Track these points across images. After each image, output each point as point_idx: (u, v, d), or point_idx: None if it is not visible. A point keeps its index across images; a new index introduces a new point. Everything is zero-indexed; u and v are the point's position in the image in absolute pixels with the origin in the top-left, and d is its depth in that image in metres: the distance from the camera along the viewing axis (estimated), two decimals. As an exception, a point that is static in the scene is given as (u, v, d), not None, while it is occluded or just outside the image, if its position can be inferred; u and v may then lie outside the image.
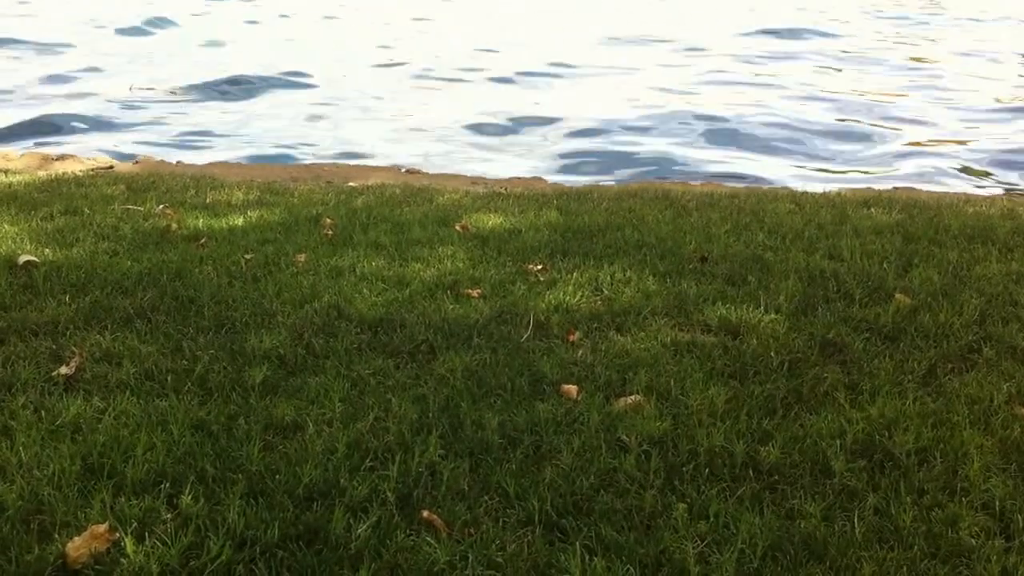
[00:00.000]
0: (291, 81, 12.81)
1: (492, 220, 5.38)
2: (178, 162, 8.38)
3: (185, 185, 6.34)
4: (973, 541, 2.53)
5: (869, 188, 7.70)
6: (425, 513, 2.56)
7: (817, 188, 7.22)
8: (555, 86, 13.11)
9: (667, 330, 3.80)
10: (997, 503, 2.69)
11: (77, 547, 2.36)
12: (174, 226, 5.10)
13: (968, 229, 5.28)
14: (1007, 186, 8.77)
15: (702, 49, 16.26)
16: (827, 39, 17.66)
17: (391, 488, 2.67)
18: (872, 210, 5.82)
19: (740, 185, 7.74)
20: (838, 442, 2.97)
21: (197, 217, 5.34)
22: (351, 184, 6.94)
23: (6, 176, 6.59)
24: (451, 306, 3.98)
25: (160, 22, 17.45)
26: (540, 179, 8.03)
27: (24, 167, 7.44)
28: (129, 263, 4.41)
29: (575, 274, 4.40)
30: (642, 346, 3.64)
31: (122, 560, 2.34)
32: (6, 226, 5.02)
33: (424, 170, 8.39)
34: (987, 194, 7.91)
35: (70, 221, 5.17)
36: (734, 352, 3.60)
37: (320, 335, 3.66)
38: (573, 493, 2.68)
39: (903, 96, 12.60)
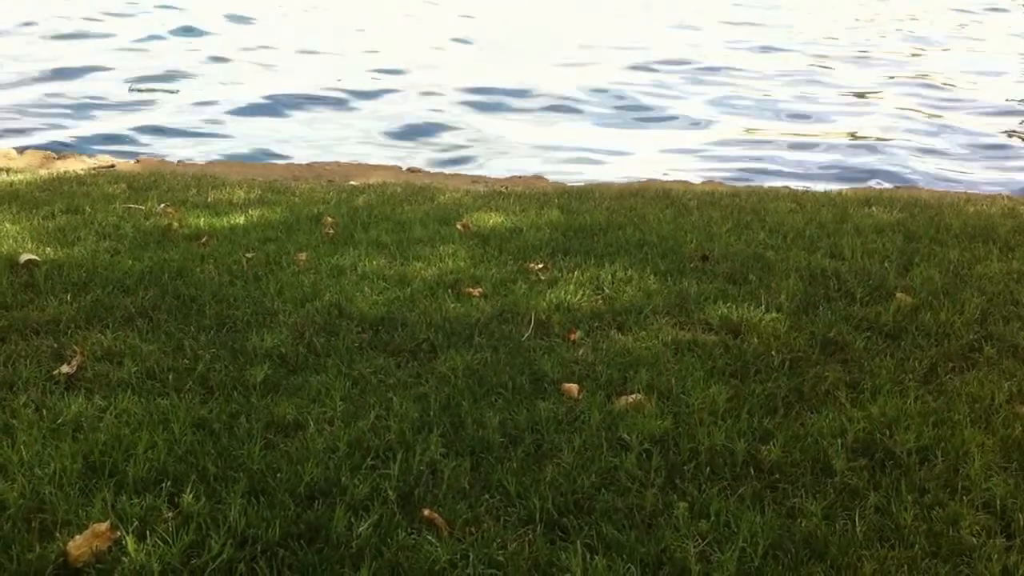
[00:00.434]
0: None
1: (493, 219, 5.38)
2: (179, 161, 8.38)
3: (186, 184, 6.34)
4: (974, 540, 2.53)
5: (870, 187, 7.70)
6: (426, 512, 2.56)
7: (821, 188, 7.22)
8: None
9: (668, 329, 3.80)
10: (998, 502, 2.69)
11: (78, 546, 2.36)
12: (175, 225, 5.10)
13: (969, 228, 5.28)
14: None
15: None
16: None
17: (392, 487, 2.67)
18: (873, 209, 5.82)
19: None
20: (839, 441, 2.97)
21: (198, 216, 5.34)
22: (352, 183, 6.94)
23: (8, 175, 6.59)
24: (452, 305, 3.99)
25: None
26: (541, 178, 8.03)
27: (25, 166, 7.44)
28: (130, 262, 4.41)
29: (576, 273, 4.40)
30: (643, 345, 3.64)
31: (123, 559, 2.35)
32: (7, 225, 5.02)
33: (425, 168, 8.40)
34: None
35: (71, 220, 5.17)
36: (735, 351, 3.60)
37: (321, 334, 3.67)
38: (574, 492, 2.68)
39: None
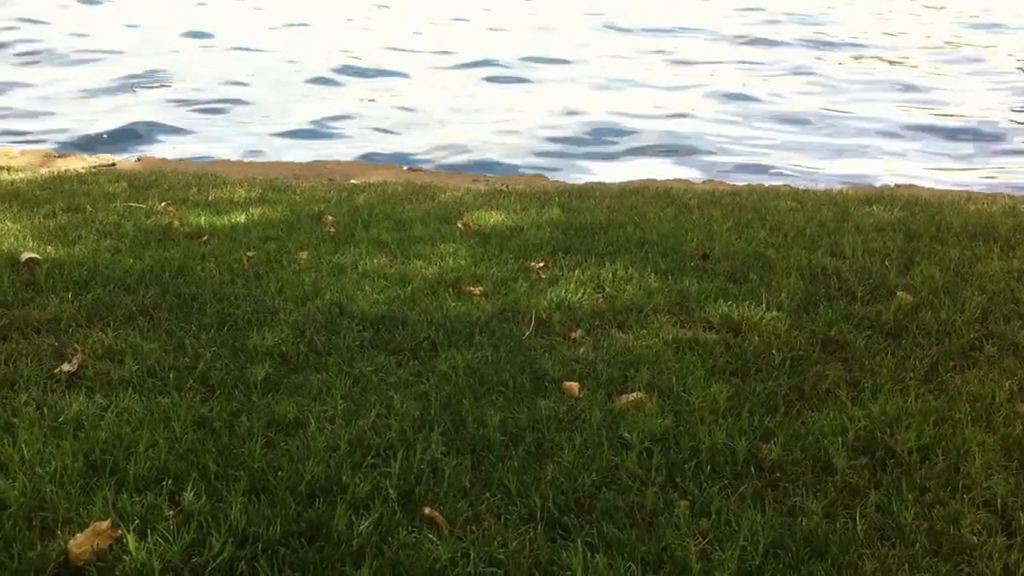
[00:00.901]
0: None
1: (494, 217, 5.38)
2: (180, 160, 8.38)
3: (187, 183, 6.35)
4: (975, 538, 2.53)
5: (870, 185, 7.70)
6: (427, 510, 2.57)
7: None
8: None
9: (669, 327, 3.80)
10: (999, 500, 2.69)
11: (79, 544, 2.37)
12: (176, 223, 5.10)
13: (970, 227, 5.28)
14: None
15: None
16: None
17: (393, 485, 2.67)
18: (874, 208, 5.82)
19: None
20: (840, 439, 2.97)
21: (199, 214, 5.34)
22: (353, 181, 6.94)
23: (8, 173, 6.59)
24: (453, 303, 3.99)
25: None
26: (542, 176, 8.03)
27: (26, 164, 7.44)
28: (131, 260, 4.41)
29: (577, 271, 4.40)
30: (644, 343, 3.64)
31: (124, 557, 2.35)
32: (8, 223, 5.02)
33: (426, 167, 8.40)
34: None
35: (72, 218, 5.17)
36: (736, 349, 3.60)
37: (322, 332, 3.67)
38: (575, 490, 2.68)
39: None
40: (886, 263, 4.58)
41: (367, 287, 4.14)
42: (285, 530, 2.46)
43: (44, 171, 6.91)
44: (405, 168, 8.28)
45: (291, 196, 5.99)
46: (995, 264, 4.63)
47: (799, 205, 5.89)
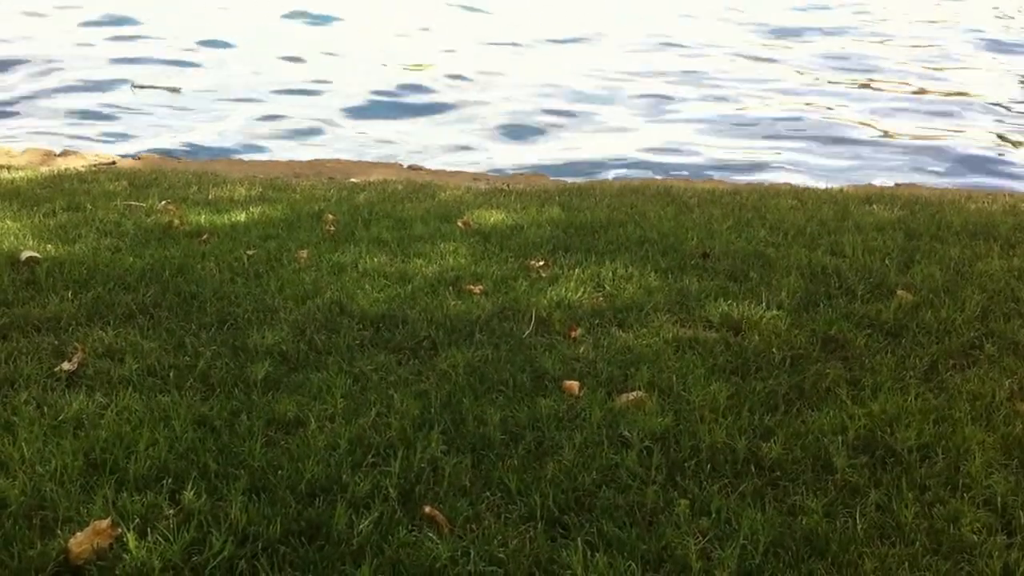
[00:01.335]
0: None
1: (494, 216, 5.38)
2: (180, 159, 8.38)
3: (187, 181, 6.35)
4: (975, 537, 2.53)
5: (870, 184, 7.69)
6: (427, 509, 2.57)
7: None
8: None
9: (669, 326, 3.80)
10: (999, 499, 2.69)
11: (79, 543, 2.37)
12: (176, 222, 5.10)
13: (970, 225, 5.28)
14: None
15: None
16: None
17: (393, 484, 2.67)
18: (874, 206, 5.82)
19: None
20: (840, 438, 2.97)
21: (199, 213, 5.34)
22: (353, 180, 6.94)
23: (8, 172, 6.59)
24: (453, 302, 3.99)
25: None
26: (542, 175, 8.03)
27: (26, 163, 7.44)
28: (131, 259, 4.41)
29: (577, 270, 4.40)
30: (644, 342, 3.64)
31: (124, 556, 2.35)
32: (8, 222, 5.02)
33: (427, 166, 8.39)
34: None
35: (72, 217, 5.17)
36: (736, 348, 3.60)
37: (322, 331, 3.67)
38: (575, 489, 2.68)
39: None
40: (886, 262, 4.58)
41: (367, 286, 4.14)
42: (285, 529, 2.46)
43: (44, 169, 6.91)
44: (405, 166, 8.27)
45: (291, 195, 5.99)
46: (995, 263, 4.63)
47: (799, 204, 5.89)
